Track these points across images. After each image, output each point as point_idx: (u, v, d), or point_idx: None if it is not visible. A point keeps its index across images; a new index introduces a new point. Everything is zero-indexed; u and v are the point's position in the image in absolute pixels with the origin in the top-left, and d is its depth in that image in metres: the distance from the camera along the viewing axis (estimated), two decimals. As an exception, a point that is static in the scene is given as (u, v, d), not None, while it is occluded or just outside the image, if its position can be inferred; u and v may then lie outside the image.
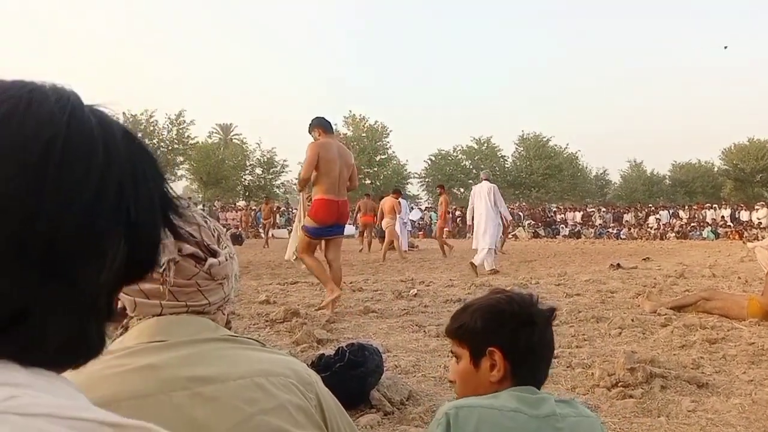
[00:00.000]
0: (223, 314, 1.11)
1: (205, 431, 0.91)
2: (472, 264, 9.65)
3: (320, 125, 5.75)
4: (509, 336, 1.35)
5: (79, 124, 0.52)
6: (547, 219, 34.15)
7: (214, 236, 1.07)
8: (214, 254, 1.05)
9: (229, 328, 1.15)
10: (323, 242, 5.91)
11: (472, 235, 11.00)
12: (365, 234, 17.31)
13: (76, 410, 0.45)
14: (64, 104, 0.53)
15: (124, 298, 1.02)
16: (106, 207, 0.52)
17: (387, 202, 15.07)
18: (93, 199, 0.51)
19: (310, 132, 5.79)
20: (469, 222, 11.31)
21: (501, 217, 10.58)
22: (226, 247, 1.08)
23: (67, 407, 0.45)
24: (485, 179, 10.83)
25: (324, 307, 5.59)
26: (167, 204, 0.61)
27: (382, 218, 15.04)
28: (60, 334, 0.51)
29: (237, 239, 19.59)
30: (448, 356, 3.81)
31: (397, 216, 16.01)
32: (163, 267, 0.98)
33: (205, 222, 1.08)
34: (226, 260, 1.06)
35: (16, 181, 0.48)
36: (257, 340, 1.10)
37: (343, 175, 5.73)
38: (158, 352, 0.95)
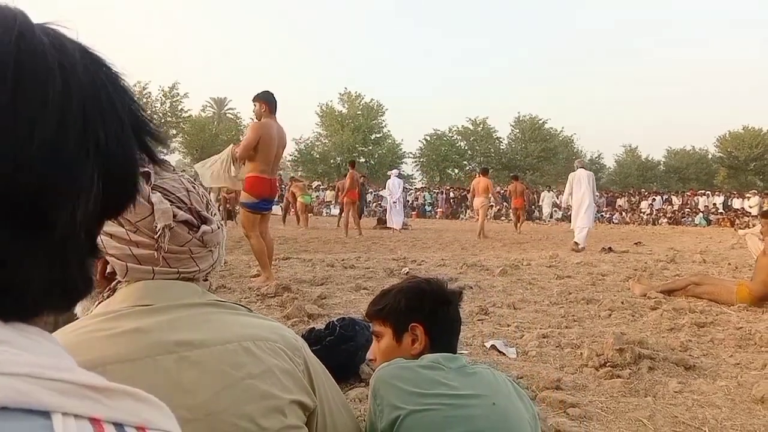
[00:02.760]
0: (207, 281, 1.10)
1: (192, 395, 0.91)
2: (575, 243, 10.95)
3: (266, 100, 5.76)
4: (429, 313, 1.56)
5: (30, 47, 0.45)
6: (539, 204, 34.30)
7: (203, 202, 1.06)
8: (205, 221, 1.04)
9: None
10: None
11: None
12: (346, 212, 15.21)
13: (58, 371, 0.43)
14: (10, 25, 0.46)
15: (115, 263, 1.00)
16: (71, 139, 0.46)
17: (481, 182, 15.04)
18: (56, 132, 0.45)
19: (253, 102, 5.81)
20: (564, 204, 13.03)
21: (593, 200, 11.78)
22: (215, 214, 1.07)
23: (48, 367, 0.42)
24: (581, 167, 12.01)
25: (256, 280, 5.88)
26: (140, 126, 0.54)
27: (473, 196, 15.38)
28: (40, 282, 0.47)
29: (230, 215, 19.49)
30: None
31: (391, 195, 16.10)
32: (159, 233, 0.98)
33: (194, 188, 1.06)
34: (218, 227, 1.05)
35: None
36: (244, 306, 1.09)
37: (278, 155, 5.92)
38: (145, 316, 0.95)
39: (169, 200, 1.00)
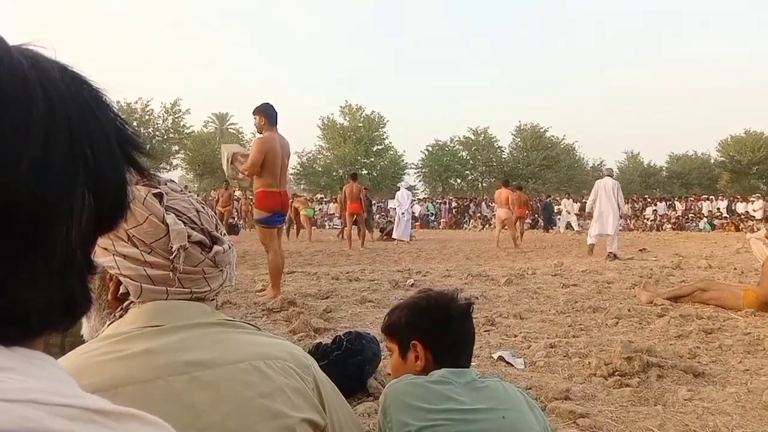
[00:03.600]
0: (214, 300, 1.11)
1: (204, 415, 0.91)
2: (610, 254, 11.12)
3: (266, 113, 5.75)
4: (428, 330, 1.55)
5: (8, 68, 0.45)
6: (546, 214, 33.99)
7: (212, 222, 1.07)
8: (216, 241, 1.05)
9: None
10: None
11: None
12: (349, 225, 15.13)
13: (62, 396, 0.43)
14: None
15: (129, 284, 1.01)
16: (59, 157, 0.46)
17: (503, 193, 15.44)
18: (43, 152, 0.45)
19: (254, 115, 5.82)
20: (588, 210, 13.21)
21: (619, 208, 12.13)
22: (224, 234, 1.08)
23: (52, 392, 0.42)
24: (608, 176, 12.47)
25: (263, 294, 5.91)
26: (125, 140, 0.54)
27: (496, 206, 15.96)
28: (40, 304, 0.47)
29: (233, 229, 19.54)
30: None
31: (400, 206, 16.34)
32: (174, 254, 0.98)
33: (203, 208, 1.07)
34: (229, 248, 1.06)
35: None
36: (253, 325, 1.10)
37: (284, 165, 5.91)
38: (155, 337, 0.95)
39: (182, 221, 1.01)
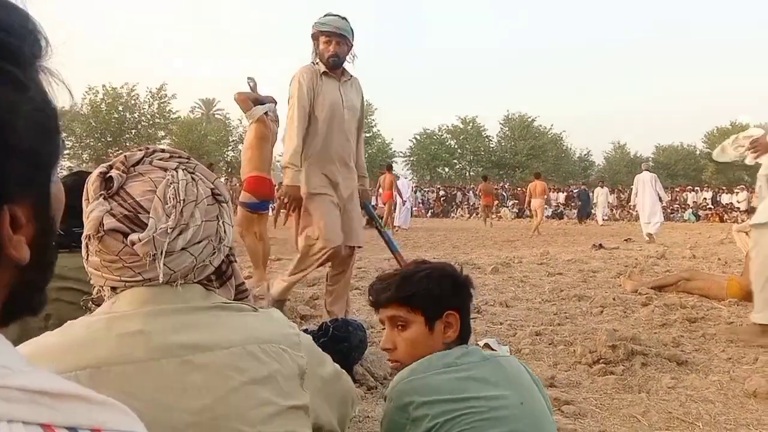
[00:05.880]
0: (210, 280, 1.09)
1: (195, 399, 0.92)
2: (649, 235, 13.14)
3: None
4: (463, 299, 1.52)
5: None
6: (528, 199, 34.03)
7: (173, 205, 0.99)
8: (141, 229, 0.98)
9: (241, 291, 1.16)
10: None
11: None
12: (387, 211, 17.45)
13: (3, 377, 0.42)
14: None
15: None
16: None
17: (538, 185, 17.25)
18: None
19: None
20: (633, 203, 14.94)
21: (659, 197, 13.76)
22: (169, 220, 0.98)
23: None
24: (646, 170, 14.14)
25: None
26: None
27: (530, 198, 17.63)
28: None
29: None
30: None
31: (400, 195, 17.13)
32: (84, 242, 0.98)
33: (172, 188, 1.00)
34: (154, 236, 0.97)
35: None
36: (251, 305, 1.09)
37: (273, 152, 5.94)
38: (150, 319, 0.95)
39: (126, 207, 0.97)
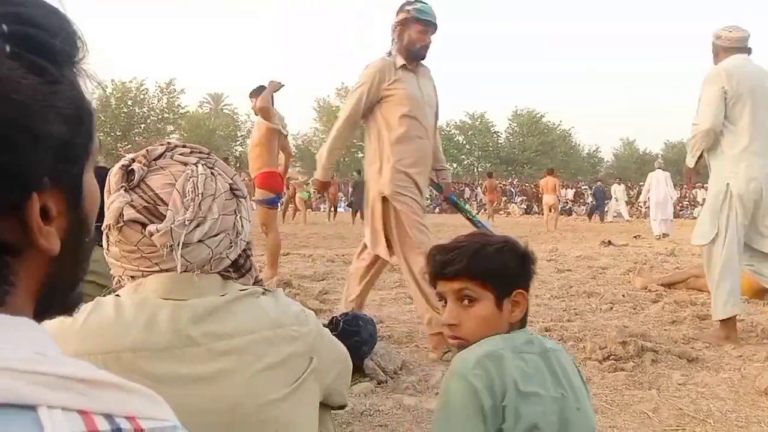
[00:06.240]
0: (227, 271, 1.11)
1: (218, 386, 0.95)
2: (661, 233, 13.42)
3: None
4: (530, 277, 1.39)
5: None
6: (540, 195, 33.90)
7: (192, 198, 1.01)
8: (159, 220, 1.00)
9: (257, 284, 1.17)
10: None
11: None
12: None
13: (41, 363, 0.42)
14: None
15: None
16: None
17: (549, 181, 17.45)
18: None
19: (251, 98, 5.81)
20: (642, 200, 15.37)
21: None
22: (187, 213, 1.00)
23: (29, 360, 0.42)
24: (659, 168, 14.50)
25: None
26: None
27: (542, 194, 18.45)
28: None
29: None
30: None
31: None
32: (104, 232, 1.01)
33: (191, 181, 1.01)
34: (172, 227, 0.98)
35: None
36: (265, 288, 1.12)
37: (278, 147, 5.94)
38: (175, 307, 0.98)
39: (145, 199, 0.99)
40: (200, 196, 1.01)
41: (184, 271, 1.02)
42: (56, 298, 0.55)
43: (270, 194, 5.74)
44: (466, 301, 1.35)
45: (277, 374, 1.01)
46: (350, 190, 20.03)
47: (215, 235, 1.04)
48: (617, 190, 24.19)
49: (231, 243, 1.07)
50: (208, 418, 0.93)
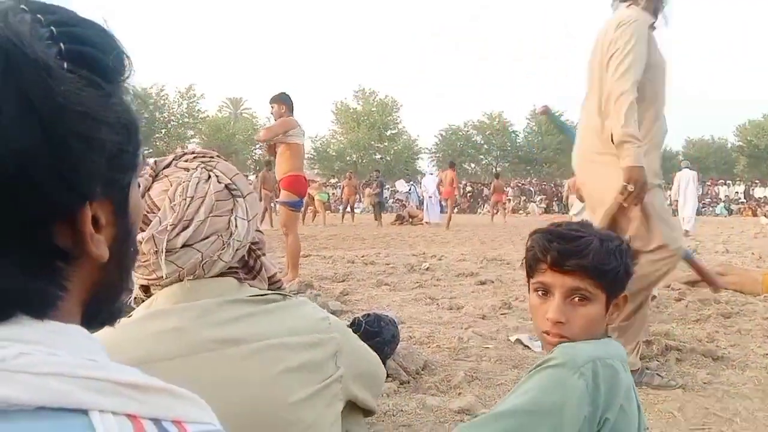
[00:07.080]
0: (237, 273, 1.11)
1: (235, 391, 0.94)
2: (685, 231, 12.68)
3: (284, 101, 5.82)
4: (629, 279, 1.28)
5: None
6: (561, 194, 33.62)
7: (178, 203, 1.02)
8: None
9: (273, 282, 1.17)
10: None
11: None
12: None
13: (93, 369, 0.44)
14: None
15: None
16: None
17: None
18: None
19: (271, 104, 5.85)
20: (673, 199, 14.91)
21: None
22: (170, 218, 1.01)
23: (81, 365, 0.43)
24: (686, 167, 15.03)
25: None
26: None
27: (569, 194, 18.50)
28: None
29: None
30: (467, 323, 3.82)
31: (426, 191, 17.34)
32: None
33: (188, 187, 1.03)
34: (153, 234, 1.00)
35: None
36: (282, 293, 1.11)
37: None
38: (185, 315, 0.98)
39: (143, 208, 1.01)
40: (188, 200, 1.01)
41: (179, 279, 1.02)
42: (102, 307, 0.56)
43: (294, 197, 5.82)
44: (576, 299, 1.22)
45: (295, 378, 1.00)
46: (377, 190, 20.10)
47: (205, 238, 1.03)
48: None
49: (223, 244, 1.05)
50: (225, 422, 0.92)
